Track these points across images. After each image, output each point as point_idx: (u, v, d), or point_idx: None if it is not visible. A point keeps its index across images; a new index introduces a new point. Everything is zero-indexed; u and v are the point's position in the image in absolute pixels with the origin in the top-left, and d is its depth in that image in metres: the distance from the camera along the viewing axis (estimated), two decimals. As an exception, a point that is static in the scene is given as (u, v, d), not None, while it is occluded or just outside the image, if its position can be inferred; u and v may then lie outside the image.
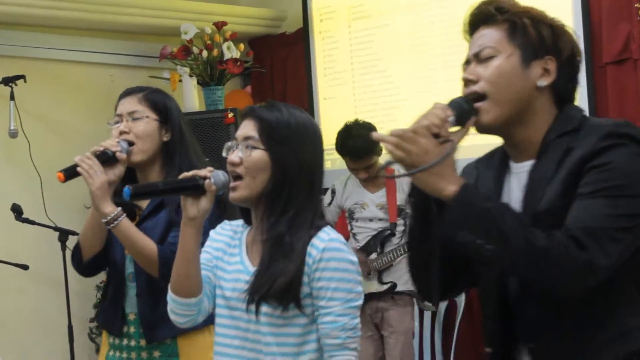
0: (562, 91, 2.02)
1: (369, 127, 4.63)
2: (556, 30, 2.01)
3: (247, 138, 2.31)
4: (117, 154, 2.85)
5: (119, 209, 2.80)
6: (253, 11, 6.35)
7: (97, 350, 5.38)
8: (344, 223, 4.89)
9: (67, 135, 5.49)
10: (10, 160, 5.28)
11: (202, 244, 2.44)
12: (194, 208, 2.30)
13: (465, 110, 1.97)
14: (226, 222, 2.49)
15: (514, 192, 2.03)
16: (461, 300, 5.11)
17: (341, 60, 5.93)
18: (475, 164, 2.19)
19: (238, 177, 2.29)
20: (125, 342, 2.94)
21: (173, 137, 2.97)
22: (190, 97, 5.70)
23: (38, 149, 5.28)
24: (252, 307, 2.27)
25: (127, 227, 2.80)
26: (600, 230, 1.82)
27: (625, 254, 1.86)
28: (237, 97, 6.15)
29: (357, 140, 4.57)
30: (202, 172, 2.30)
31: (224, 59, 5.64)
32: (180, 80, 5.70)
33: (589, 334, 1.92)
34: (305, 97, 6.00)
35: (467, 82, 2.01)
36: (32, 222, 4.88)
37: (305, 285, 2.25)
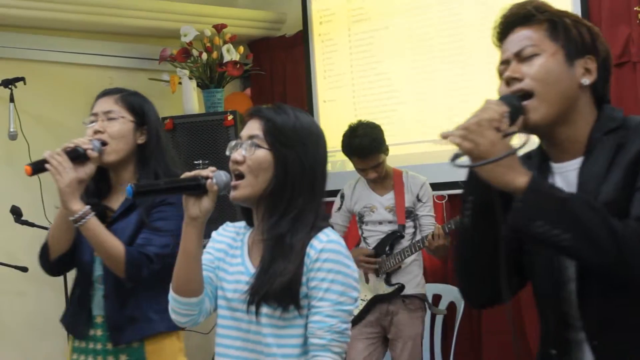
0: (601, 91, 2.02)
1: (374, 126, 4.61)
2: (592, 30, 2.01)
3: (251, 137, 2.32)
4: (88, 151, 2.84)
5: (87, 207, 2.78)
6: (253, 14, 6.35)
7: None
8: (356, 227, 4.87)
9: (66, 137, 5.39)
10: (10, 162, 5.27)
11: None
12: (196, 208, 2.29)
13: (517, 107, 1.94)
14: (228, 223, 2.49)
15: None
16: (460, 303, 5.10)
17: (341, 63, 5.94)
18: None
19: (240, 176, 2.30)
20: (91, 345, 2.92)
21: (149, 140, 2.96)
22: (190, 99, 5.70)
23: (38, 151, 5.21)
24: (253, 308, 2.27)
25: (95, 226, 2.78)
26: None
27: None
28: (236, 99, 6.15)
29: (363, 139, 4.54)
30: (205, 172, 2.29)
31: (224, 62, 5.65)
32: (180, 83, 5.71)
33: None
34: (304, 99, 6.01)
35: (511, 80, 1.99)
36: (32, 224, 4.88)
37: (304, 285, 2.26)
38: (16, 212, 4.84)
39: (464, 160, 1.92)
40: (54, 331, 5.08)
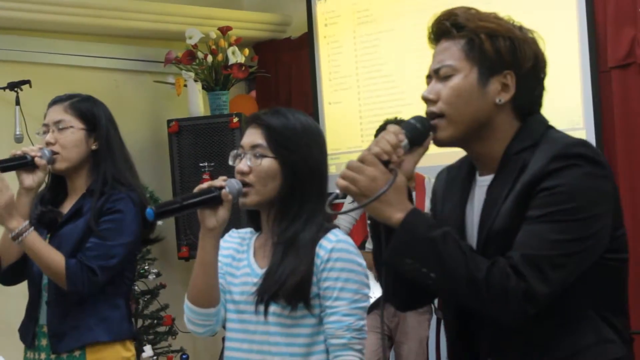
0: (523, 104, 1.99)
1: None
2: (515, 41, 1.97)
3: (254, 146, 2.32)
4: (36, 159, 2.83)
5: (26, 223, 2.77)
6: (258, 16, 6.35)
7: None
8: (360, 227, 4.84)
9: (72, 140, 5.50)
10: (16, 165, 5.28)
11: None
12: (212, 219, 2.28)
13: (419, 132, 1.97)
14: (234, 230, 2.50)
15: (476, 205, 2.02)
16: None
17: (346, 65, 5.93)
18: (448, 170, 2.20)
19: (248, 185, 2.30)
20: (36, 355, 2.92)
21: (100, 146, 2.94)
22: (195, 101, 5.70)
23: (43, 154, 5.29)
24: (261, 307, 2.28)
25: (34, 241, 2.77)
26: (541, 258, 1.82)
27: (569, 279, 1.84)
28: (241, 101, 6.15)
29: (396, 121, 4.55)
30: (217, 183, 2.28)
31: (229, 64, 5.65)
32: (185, 85, 5.71)
33: (540, 353, 1.92)
34: (310, 101, 6.01)
35: (427, 101, 2.01)
36: (38, 227, 4.88)
37: (314, 285, 2.27)
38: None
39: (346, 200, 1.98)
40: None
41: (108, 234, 2.85)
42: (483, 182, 2.02)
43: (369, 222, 2.10)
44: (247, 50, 5.80)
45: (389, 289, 2.14)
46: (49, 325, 2.86)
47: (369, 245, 4.69)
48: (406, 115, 4.81)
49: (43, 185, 2.97)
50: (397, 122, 4.55)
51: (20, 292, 5.16)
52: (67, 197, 2.99)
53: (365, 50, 5.83)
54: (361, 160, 1.91)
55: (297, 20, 6.30)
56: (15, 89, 5.14)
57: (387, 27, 5.71)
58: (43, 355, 2.89)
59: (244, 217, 2.47)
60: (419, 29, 5.42)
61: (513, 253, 1.84)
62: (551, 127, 2.00)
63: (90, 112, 2.95)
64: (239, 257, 2.42)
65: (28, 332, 2.93)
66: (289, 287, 2.25)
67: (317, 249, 2.27)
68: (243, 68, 5.68)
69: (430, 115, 1.99)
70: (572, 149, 1.88)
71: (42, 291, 2.92)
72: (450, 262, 1.84)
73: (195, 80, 5.69)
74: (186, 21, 5.78)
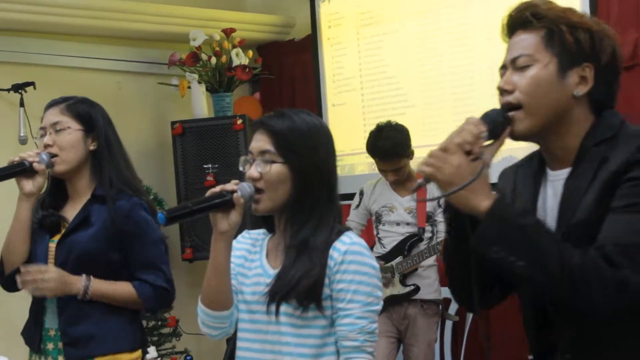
0: (600, 98, 1.98)
1: (400, 129, 4.62)
2: (595, 34, 1.97)
3: (263, 152, 2.32)
4: (35, 164, 2.84)
5: (83, 279, 2.80)
6: (262, 18, 6.35)
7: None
8: (368, 233, 4.85)
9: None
10: (20, 167, 5.29)
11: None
12: (225, 222, 2.29)
13: (498, 123, 1.95)
14: (246, 231, 2.51)
15: (549, 200, 2.01)
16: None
17: (350, 67, 5.94)
18: (515, 167, 2.17)
19: (259, 191, 2.30)
20: (43, 359, 2.93)
21: (99, 146, 2.95)
22: (199, 103, 5.71)
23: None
24: (273, 307, 2.29)
25: (100, 289, 2.82)
26: (634, 247, 1.79)
27: None
28: (245, 103, 6.15)
29: (386, 142, 4.55)
30: (229, 186, 2.29)
31: (233, 66, 5.65)
32: (189, 87, 5.71)
33: (626, 351, 1.90)
34: (313, 103, 6.01)
35: (503, 92, 1.99)
36: (42, 228, 4.88)
37: (326, 287, 2.27)
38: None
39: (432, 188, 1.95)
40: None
41: (147, 248, 2.93)
42: (556, 177, 2.01)
43: (445, 214, 2.07)
44: (250, 52, 5.81)
45: (460, 292, 2.12)
46: (62, 333, 2.87)
47: (376, 250, 4.70)
48: (410, 116, 4.85)
49: (43, 189, 2.97)
50: (393, 130, 4.59)
51: (24, 292, 5.17)
52: (68, 200, 2.99)
53: (369, 52, 5.84)
54: (444, 149, 1.89)
55: (300, 22, 6.30)
56: (20, 91, 5.15)
57: (390, 28, 5.71)
58: (50, 359, 2.89)
59: (249, 221, 2.47)
60: (422, 31, 5.49)
61: (604, 242, 1.81)
62: (626, 121, 1.98)
63: (87, 113, 2.96)
64: (251, 257, 2.43)
65: (34, 336, 2.94)
66: (301, 288, 2.26)
67: (331, 251, 2.28)
68: (247, 70, 5.69)
69: (507, 106, 1.97)
70: None
71: (46, 296, 2.92)
72: (542, 249, 1.82)
73: (199, 82, 5.69)
74: (190, 23, 5.78)
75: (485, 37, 5.15)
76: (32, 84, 5.17)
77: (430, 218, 4.64)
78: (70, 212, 2.96)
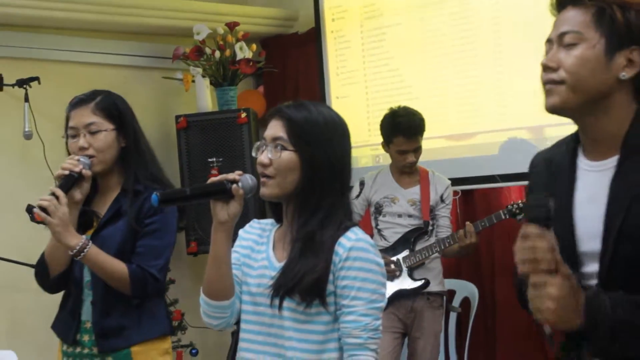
0: None
1: (416, 111, 4.63)
2: None
3: (276, 139, 2.31)
4: (83, 171, 2.85)
5: (83, 238, 2.80)
6: (265, 11, 6.36)
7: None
8: (366, 222, 4.83)
9: (81, 137, 5.50)
10: (25, 162, 5.30)
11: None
12: (224, 212, 2.30)
13: (544, 217, 1.83)
14: (255, 220, 2.51)
15: (588, 191, 1.95)
16: (474, 299, 5.10)
17: (353, 60, 5.93)
18: (545, 158, 2.11)
19: (268, 176, 2.31)
20: (78, 350, 2.93)
21: (129, 142, 2.96)
22: (203, 97, 5.72)
23: (53, 151, 5.28)
24: (276, 301, 2.29)
25: (95, 255, 2.81)
26: None
27: None
28: (249, 97, 6.16)
29: (412, 117, 4.56)
30: (231, 176, 2.30)
31: (237, 59, 5.66)
32: (193, 81, 5.73)
33: None
34: (317, 96, 6.00)
35: (547, 69, 1.94)
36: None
37: (330, 283, 2.27)
38: (32, 212, 4.84)
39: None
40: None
41: (156, 236, 2.90)
42: (594, 168, 1.96)
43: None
44: (254, 46, 5.80)
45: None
46: (95, 325, 2.88)
47: (376, 243, 4.68)
48: (414, 108, 4.80)
49: None
50: (410, 113, 4.58)
51: (28, 289, 5.18)
52: (97, 195, 2.99)
53: (372, 45, 5.83)
54: (536, 284, 1.80)
55: (304, 15, 6.30)
56: (24, 86, 5.16)
57: (393, 21, 5.70)
58: (86, 350, 2.91)
59: (252, 214, 2.46)
60: (425, 23, 5.47)
61: None
62: None
63: (117, 110, 2.96)
64: (257, 248, 2.42)
65: (69, 329, 2.94)
66: (305, 284, 2.25)
67: (336, 247, 2.27)
68: (251, 63, 5.69)
69: (548, 82, 1.93)
70: None
71: (84, 289, 2.94)
72: None
73: (203, 76, 5.70)
74: (194, 17, 5.79)
75: (489, 28, 5.14)
76: (36, 79, 5.18)
77: (432, 211, 4.62)
78: (101, 205, 2.98)
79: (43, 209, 2.77)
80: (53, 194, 2.78)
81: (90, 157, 2.89)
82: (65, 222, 2.76)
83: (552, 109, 1.94)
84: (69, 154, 2.94)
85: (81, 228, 2.91)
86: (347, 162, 2.38)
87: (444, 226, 4.63)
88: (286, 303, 2.28)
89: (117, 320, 2.87)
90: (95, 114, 2.92)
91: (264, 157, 2.31)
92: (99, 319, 2.87)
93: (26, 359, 4.80)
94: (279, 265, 2.34)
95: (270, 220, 2.47)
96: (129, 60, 5.85)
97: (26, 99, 5.16)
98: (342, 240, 2.27)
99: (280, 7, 6.42)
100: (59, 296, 5.18)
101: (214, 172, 5.29)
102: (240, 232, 2.48)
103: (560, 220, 1.93)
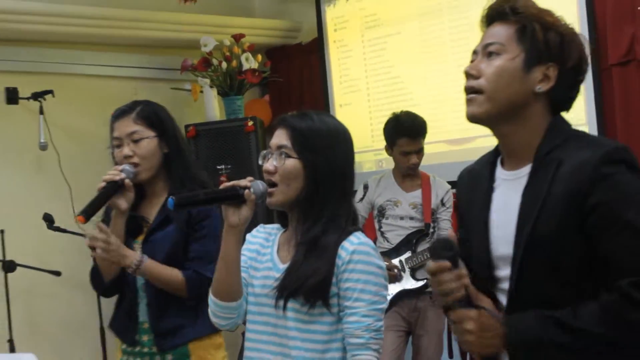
0: (559, 99, 2.00)
1: (415, 114, 4.66)
2: (565, 37, 1.98)
3: (280, 147, 2.33)
4: (126, 182, 2.86)
5: (138, 255, 2.82)
6: (269, 23, 6.37)
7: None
8: (369, 225, 4.83)
9: (94, 147, 5.47)
10: (41, 172, 5.33)
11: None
12: (235, 216, 2.31)
13: (454, 256, 1.95)
14: (261, 225, 2.52)
15: (503, 199, 2.01)
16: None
17: (355, 68, 5.95)
18: (468, 172, 2.19)
19: (273, 184, 2.32)
20: (138, 349, 2.95)
21: (170, 148, 2.97)
22: (211, 107, 5.73)
23: (67, 161, 5.32)
24: (281, 302, 2.29)
25: (150, 268, 2.83)
26: None
27: None
28: (256, 106, 6.17)
29: (416, 119, 4.59)
30: (243, 182, 2.31)
31: (243, 70, 5.67)
32: (202, 91, 5.74)
33: None
34: (321, 104, 6.02)
35: (469, 76, 2.01)
36: (63, 230, 4.90)
37: (334, 285, 2.27)
38: (48, 219, 4.87)
39: None
40: (85, 331, 5.17)
41: (207, 240, 2.91)
42: (510, 176, 2.02)
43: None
44: (259, 56, 5.80)
45: None
46: (153, 326, 2.90)
47: (379, 245, 4.69)
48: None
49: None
50: (412, 118, 4.60)
51: (46, 294, 5.20)
52: (144, 201, 3.00)
53: (374, 54, 5.85)
54: (457, 319, 1.93)
55: (307, 26, 6.31)
56: (39, 99, 5.20)
57: (393, 30, 5.72)
58: (146, 349, 2.93)
59: (261, 219, 2.47)
60: (424, 32, 5.49)
61: (617, 283, 1.80)
62: (571, 126, 2.00)
63: (157, 118, 2.97)
64: (263, 251, 2.43)
65: (127, 330, 2.96)
66: (309, 286, 2.26)
67: (339, 250, 2.27)
68: (256, 73, 5.70)
69: (469, 89, 2.00)
70: (616, 154, 1.87)
71: (138, 291, 2.95)
72: (574, 343, 1.83)
73: (211, 86, 5.71)
74: (201, 30, 5.80)
75: (485, 36, 5.15)
76: (50, 92, 5.21)
77: (433, 214, 4.63)
78: (149, 210, 2.99)
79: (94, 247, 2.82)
80: (100, 229, 2.81)
81: (135, 165, 2.90)
82: (118, 249, 2.80)
83: (472, 118, 2.01)
84: (116, 163, 2.95)
85: (131, 234, 2.93)
86: (350, 169, 2.39)
87: (444, 228, 4.64)
88: (290, 304, 2.28)
89: (173, 320, 2.89)
90: (136, 123, 2.93)
91: (269, 164, 2.33)
92: (156, 319, 2.89)
93: (45, 362, 4.83)
94: (282, 267, 2.35)
95: (276, 225, 2.48)
96: (139, 72, 5.87)
97: (41, 112, 5.19)
98: (345, 244, 2.27)
99: (284, 18, 6.44)
100: (74, 301, 5.24)
101: (222, 178, 5.30)
102: (248, 236, 2.49)
103: (476, 227, 2.03)
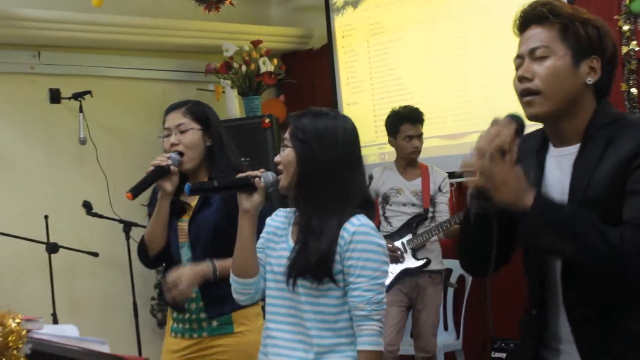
0: (604, 86, 1.96)
1: (413, 106, 4.73)
2: (601, 30, 1.94)
3: (283, 140, 2.40)
4: (171, 168, 2.91)
5: (209, 264, 2.87)
6: (284, 30, 6.37)
7: (158, 324, 5.48)
8: (377, 208, 4.88)
9: (127, 141, 5.56)
10: (81, 164, 5.36)
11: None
12: (248, 202, 2.39)
13: (522, 124, 1.91)
14: (280, 209, 2.54)
15: (554, 173, 1.99)
16: (469, 277, 5.12)
17: (361, 71, 5.94)
18: (520, 141, 2.14)
19: (281, 172, 2.38)
20: (187, 315, 3.00)
21: (214, 142, 3.01)
22: (232, 105, 5.74)
23: (104, 153, 5.35)
24: (291, 281, 2.33)
25: (223, 267, 2.86)
26: None
27: None
28: (272, 104, 6.18)
29: (413, 108, 4.66)
30: (254, 173, 2.38)
31: (260, 72, 5.68)
32: (224, 92, 5.76)
33: (619, 306, 1.90)
34: (331, 103, 6.00)
35: (523, 79, 1.95)
36: (101, 216, 4.94)
37: (338, 263, 2.29)
38: (87, 206, 4.90)
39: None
40: (120, 306, 5.21)
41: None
42: (560, 153, 1.99)
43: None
44: (275, 60, 5.82)
45: (473, 261, 2.12)
46: (204, 297, 2.95)
47: (383, 229, 4.73)
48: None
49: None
50: (413, 111, 4.65)
51: (85, 273, 5.26)
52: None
53: (378, 58, 5.84)
54: (486, 156, 1.85)
55: (318, 33, 6.30)
56: (79, 99, 5.22)
57: (396, 37, 5.72)
58: (194, 316, 2.98)
59: (276, 202, 2.52)
60: (423, 38, 5.51)
61: (633, 218, 1.80)
62: (619, 111, 1.98)
63: (203, 114, 3.02)
64: (280, 233, 2.46)
65: (177, 300, 2.98)
66: (313, 265, 2.29)
67: (342, 232, 2.29)
68: (272, 76, 5.71)
69: (525, 92, 1.95)
70: None
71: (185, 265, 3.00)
72: (586, 236, 1.80)
73: (232, 87, 5.72)
74: (223, 36, 5.81)
75: (477, 42, 5.17)
76: (89, 92, 5.24)
77: (431, 200, 4.67)
78: (191, 197, 2.99)
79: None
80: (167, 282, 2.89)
81: (180, 154, 2.95)
82: (192, 278, 2.85)
83: (534, 118, 1.97)
84: (164, 151, 3.01)
85: (175, 214, 3.00)
86: (348, 161, 2.37)
87: (442, 211, 4.68)
88: (300, 282, 2.32)
89: (222, 290, 2.88)
90: (185, 116, 2.99)
91: (278, 156, 2.40)
92: (207, 290, 2.94)
93: (84, 333, 4.89)
94: (293, 245, 2.39)
95: (294, 209, 2.50)
96: (168, 75, 5.88)
97: (80, 110, 5.22)
98: (347, 225, 2.29)
99: (297, 26, 6.44)
100: (110, 279, 5.29)
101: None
102: (268, 219, 2.52)
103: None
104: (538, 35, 1.95)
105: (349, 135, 2.40)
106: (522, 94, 1.96)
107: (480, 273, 2.11)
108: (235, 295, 2.51)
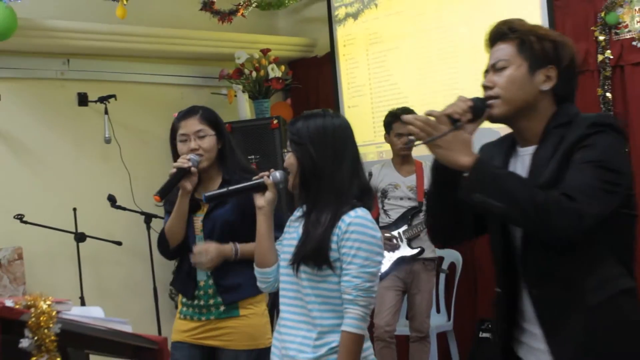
0: (561, 92, 2.01)
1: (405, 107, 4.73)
2: (558, 44, 2.01)
3: (287, 146, 2.43)
4: (192, 169, 2.94)
5: (232, 245, 2.91)
6: (291, 40, 6.37)
7: (176, 307, 5.47)
8: (376, 202, 4.89)
9: (148, 140, 5.56)
10: (106, 161, 5.36)
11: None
12: (262, 200, 2.45)
13: (480, 106, 2.00)
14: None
15: (518, 170, 2.03)
16: (459, 263, 5.13)
17: (361, 77, 5.94)
18: (491, 144, 2.21)
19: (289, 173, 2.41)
20: (196, 301, 3.02)
21: (224, 144, 3.04)
22: (243, 108, 5.76)
23: (127, 152, 5.36)
24: (294, 267, 2.36)
25: (244, 250, 2.90)
26: (585, 187, 1.82)
27: (604, 212, 1.84)
28: (280, 107, 6.19)
29: (406, 108, 4.65)
30: (264, 173, 2.45)
31: (269, 78, 5.68)
32: (235, 95, 5.76)
33: (576, 282, 1.92)
34: (333, 106, 5.99)
35: (486, 88, 2.04)
36: (124, 209, 4.96)
37: (335, 251, 2.31)
38: (112, 200, 4.91)
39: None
40: (142, 291, 5.22)
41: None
42: (524, 152, 2.04)
43: (432, 169, 2.12)
44: (283, 67, 5.81)
45: (435, 226, 2.17)
46: (217, 283, 2.97)
47: (381, 220, 4.74)
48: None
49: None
50: (407, 110, 4.63)
51: (110, 260, 5.27)
52: (200, 185, 3.05)
53: (376, 65, 5.85)
54: (437, 117, 1.96)
55: (321, 42, 6.31)
56: (104, 102, 5.23)
57: (393, 46, 5.72)
58: (202, 302, 3.00)
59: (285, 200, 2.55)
60: (418, 47, 5.51)
61: (562, 186, 1.84)
62: (580, 112, 2.02)
63: (216, 120, 3.05)
64: (293, 225, 2.47)
65: (187, 287, 3.04)
66: (311, 252, 2.31)
67: (340, 222, 2.30)
68: (280, 81, 5.71)
69: (487, 98, 2.02)
70: (604, 119, 1.92)
71: None
72: (516, 192, 1.83)
73: (243, 92, 5.73)
74: (235, 45, 5.81)
75: (468, 51, 5.17)
76: (113, 96, 5.24)
77: (425, 194, 4.66)
78: (205, 192, 3.04)
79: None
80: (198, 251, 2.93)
81: (200, 155, 2.97)
82: (219, 252, 2.90)
83: (495, 119, 2.03)
84: (179, 155, 3.02)
85: (192, 210, 3.01)
86: (342, 159, 2.36)
87: None
88: (302, 268, 2.33)
89: (234, 280, 2.95)
90: (202, 123, 3.00)
91: (286, 160, 2.43)
92: (219, 279, 2.97)
93: (108, 314, 4.90)
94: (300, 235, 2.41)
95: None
96: (185, 80, 5.88)
97: (106, 112, 5.23)
98: (345, 217, 2.30)
99: (303, 36, 6.44)
100: (133, 266, 5.31)
101: (252, 166, 5.34)
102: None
103: None
104: (501, 50, 2.04)
105: (338, 130, 2.39)
106: (486, 99, 2.03)
107: (445, 241, 2.22)
108: (258, 284, 2.55)
